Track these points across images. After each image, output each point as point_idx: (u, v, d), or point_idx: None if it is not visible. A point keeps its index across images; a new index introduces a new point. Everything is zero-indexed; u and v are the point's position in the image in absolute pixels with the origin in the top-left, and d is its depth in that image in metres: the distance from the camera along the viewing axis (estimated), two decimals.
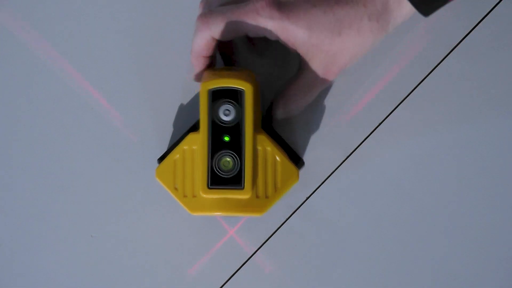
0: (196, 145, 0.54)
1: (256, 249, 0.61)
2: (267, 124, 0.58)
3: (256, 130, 0.54)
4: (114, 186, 0.61)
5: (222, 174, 0.53)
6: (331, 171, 0.61)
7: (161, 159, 0.56)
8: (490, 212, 0.61)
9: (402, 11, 0.53)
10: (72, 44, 0.61)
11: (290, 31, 0.51)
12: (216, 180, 0.52)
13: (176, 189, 0.54)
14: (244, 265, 0.61)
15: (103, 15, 0.61)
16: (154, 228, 0.61)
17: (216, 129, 0.52)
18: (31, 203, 0.61)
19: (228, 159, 0.53)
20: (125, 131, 0.61)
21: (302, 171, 0.59)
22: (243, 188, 0.53)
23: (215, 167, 0.52)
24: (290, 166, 0.54)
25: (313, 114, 0.61)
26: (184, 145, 0.54)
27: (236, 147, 0.53)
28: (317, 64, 0.53)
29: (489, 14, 0.62)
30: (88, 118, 0.61)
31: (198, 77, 0.56)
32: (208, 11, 0.53)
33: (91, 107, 0.61)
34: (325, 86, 0.55)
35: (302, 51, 0.52)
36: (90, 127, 0.61)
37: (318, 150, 0.61)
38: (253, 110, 0.52)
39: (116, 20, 0.61)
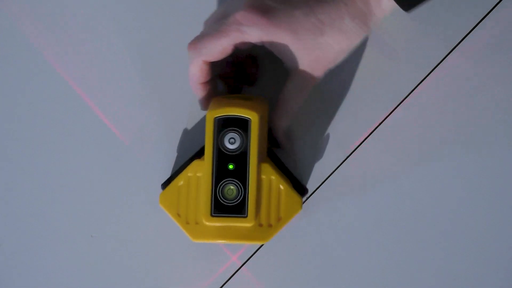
0: (201, 172, 0.54)
1: (256, 249, 0.61)
2: (272, 152, 0.58)
3: (261, 159, 0.54)
4: (114, 186, 0.61)
5: (225, 202, 0.53)
6: (331, 171, 0.61)
7: (164, 184, 0.56)
8: (491, 211, 0.61)
9: (383, 7, 0.54)
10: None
11: (274, 35, 0.52)
12: (220, 207, 0.53)
13: (179, 215, 0.54)
14: (244, 265, 0.61)
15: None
16: (154, 227, 0.61)
17: (221, 157, 0.53)
18: (31, 203, 0.61)
19: (232, 187, 0.53)
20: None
21: (302, 171, 0.59)
22: (246, 217, 0.53)
23: (219, 195, 0.53)
24: (294, 195, 0.55)
25: (313, 115, 0.61)
26: (188, 172, 0.54)
27: (241, 175, 0.53)
28: (303, 65, 0.53)
29: (489, 14, 0.61)
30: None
31: (204, 105, 0.57)
32: (196, 37, 0.54)
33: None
34: (314, 85, 0.55)
35: (287, 54, 0.53)
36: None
37: (318, 150, 0.61)
38: (258, 139, 0.53)
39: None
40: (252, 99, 0.55)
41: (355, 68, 0.61)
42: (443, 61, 0.61)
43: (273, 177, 0.54)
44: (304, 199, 0.61)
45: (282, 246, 0.61)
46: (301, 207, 0.55)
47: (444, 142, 0.61)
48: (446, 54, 0.61)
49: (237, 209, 0.53)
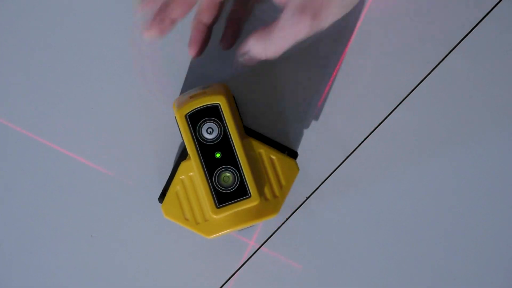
0: (192, 171, 0.54)
1: (256, 249, 0.61)
2: (249, 129, 0.58)
3: (242, 138, 0.54)
4: (114, 186, 0.61)
5: (226, 190, 0.53)
6: (331, 171, 0.61)
7: (161, 196, 0.56)
8: (490, 211, 0.61)
9: None
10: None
11: None
12: (222, 197, 0.53)
13: (186, 219, 0.54)
14: (244, 265, 0.61)
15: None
16: (153, 227, 0.61)
17: (205, 149, 0.53)
18: (31, 203, 0.61)
19: (226, 174, 0.53)
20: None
21: (302, 171, 0.59)
22: (250, 196, 0.53)
23: (217, 186, 0.53)
24: (287, 159, 0.55)
25: (312, 115, 0.61)
26: (180, 175, 0.54)
27: (230, 160, 0.53)
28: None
29: (489, 14, 0.61)
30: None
31: (197, 50, 0.55)
32: None
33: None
34: (310, 23, 0.51)
35: None
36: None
37: (318, 150, 0.61)
38: (233, 120, 0.53)
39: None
40: (211, 86, 0.55)
41: (355, 68, 0.61)
42: (443, 61, 0.61)
43: (261, 150, 0.54)
44: (304, 198, 0.61)
45: (281, 246, 0.61)
46: (298, 168, 0.55)
47: (444, 142, 0.61)
48: (446, 54, 0.61)
49: (239, 193, 0.53)
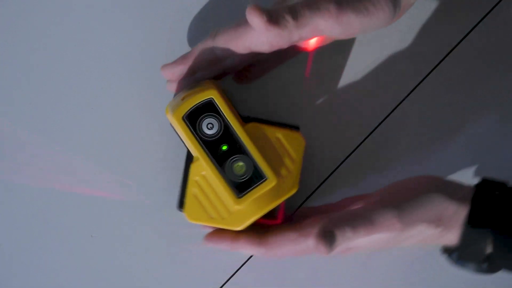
0: (203, 170, 0.54)
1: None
2: (245, 116, 0.58)
3: (243, 125, 0.54)
4: (114, 186, 0.61)
5: (242, 179, 0.53)
6: (331, 171, 0.61)
7: (180, 203, 0.56)
8: None
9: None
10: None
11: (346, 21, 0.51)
12: (240, 187, 0.53)
13: (212, 218, 0.54)
14: (243, 266, 0.61)
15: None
16: (153, 227, 0.61)
17: (210, 145, 0.53)
18: (31, 203, 0.61)
19: (238, 163, 0.53)
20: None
21: (302, 171, 0.59)
22: (267, 179, 0.53)
23: (232, 177, 0.53)
24: (291, 133, 0.55)
25: (312, 115, 0.61)
26: (193, 177, 0.54)
27: (238, 149, 0.53)
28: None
29: (489, 14, 0.62)
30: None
31: (173, 89, 0.56)
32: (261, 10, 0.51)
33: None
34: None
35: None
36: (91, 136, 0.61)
37: (318, 150, 0.61)
38: (231, 110, 0.53)
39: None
40: (198, 85, 0.55)
41: (355, 68, 0.61)
42: (443, 61, 0.62)
43: (264, 131, 0.54)
44: (304, 198, 0.61)
45: None
46: (304, 139, 0.55)
47: (444, 142, 0.61)
48: (446, 54, 0.62)
49: (256, 178, 0.53)
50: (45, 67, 0.61)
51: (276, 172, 0.54)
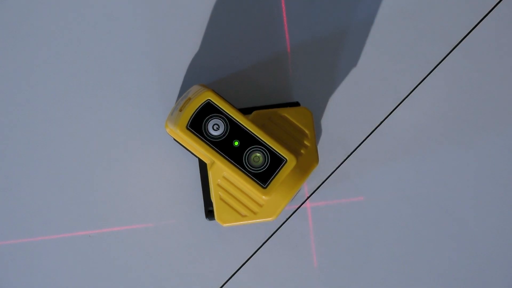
0: (222, 171, 0.54)
1: (255, 250, 0.61)
2: (245, 110, 0.58)
3: (246, 116, 0.54)
4: (113, 186, 0.61)
5: (262, 169, 0.52)
6: (331, 171, 0.61)
7: (209, 212, 0.56)
8: (490, 210, 0.61)
9: None
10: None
11: None
12: (263, 177, 0.52)
13: (244, 216, 0.54)
14: (243, 267, 0.61)
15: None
16: (153, 225, 0.61)
17: (222, 146, 0.52)
18: (29, 202, 0.61)
19: (256, 154, 0.52)
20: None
21: None
22: (287, 161, 0.52)
23: (252, 170, 0.52)
24: (297, 109, 0.55)
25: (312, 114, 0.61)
26: (215, 181, 0.54)
27: (249, 140, 0.52)
28: None
29: (489, 14, 0.62)
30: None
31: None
32: None
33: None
34: None
35: None
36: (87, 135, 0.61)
37: (318, 150, 0.61)
38: (230, 105, 0.52)
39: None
40: (189, 92, 0.55)
41: (355, 68, 0.61)
42: (443, 61, 0.62)
43: (269, 116, 0.55)
44: (304, 199, 0.61)
45: (282, 246, 0.61)
46: (310, 112, 0.55)
47: (444, 142, 0.61)
48: (446, 54, 0.62)
49: (275, 163, 0.52)
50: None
51: (294, 152, 0.54)
